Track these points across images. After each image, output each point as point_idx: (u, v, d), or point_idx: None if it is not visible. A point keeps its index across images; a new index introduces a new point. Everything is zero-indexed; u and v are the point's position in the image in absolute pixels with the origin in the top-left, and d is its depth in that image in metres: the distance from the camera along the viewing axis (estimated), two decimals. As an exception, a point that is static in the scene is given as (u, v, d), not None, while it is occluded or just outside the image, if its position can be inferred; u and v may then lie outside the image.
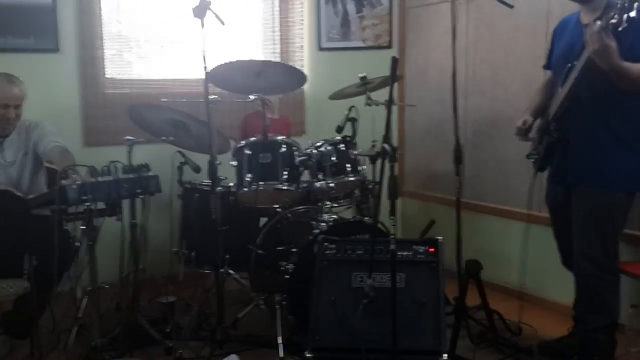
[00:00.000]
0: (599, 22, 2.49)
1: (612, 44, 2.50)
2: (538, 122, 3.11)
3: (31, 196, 3.08)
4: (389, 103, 2.56)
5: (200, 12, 2.83)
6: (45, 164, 3.58)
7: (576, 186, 2.93)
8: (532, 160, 3.12)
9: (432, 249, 3.01)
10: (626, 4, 2.42)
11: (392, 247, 2.48)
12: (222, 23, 2.89)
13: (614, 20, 2.45)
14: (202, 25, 2.87)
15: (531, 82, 3.81)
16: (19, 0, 3.85)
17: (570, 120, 2.86)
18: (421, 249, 3.02)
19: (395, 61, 2.53)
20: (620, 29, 2.47)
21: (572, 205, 2.94)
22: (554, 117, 2.91)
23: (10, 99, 3.33)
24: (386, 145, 2.45)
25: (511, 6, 3.24)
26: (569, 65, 2.78)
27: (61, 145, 3.43)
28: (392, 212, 2.47)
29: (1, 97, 3.31)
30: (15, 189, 3.14)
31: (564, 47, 2.95)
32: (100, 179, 2.84)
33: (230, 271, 3.62)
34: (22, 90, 3.37)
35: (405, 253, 2.99)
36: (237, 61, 3.39)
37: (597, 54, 2.53)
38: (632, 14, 2.42)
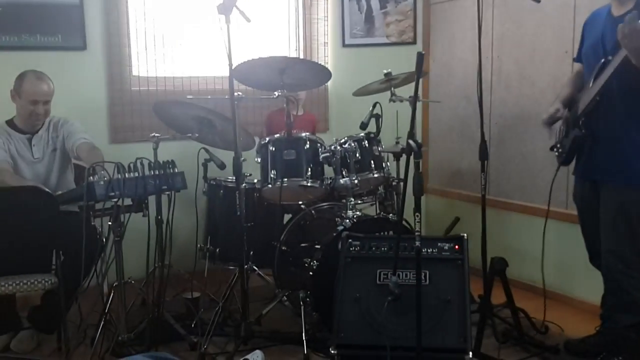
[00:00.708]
0: (637, 20, 2.45)
1: None
2: (565, 113, 3.06)
3: (59, 192, 3.12)
4: (414, 99, 2.54)
5: (225, 9, 2.83)
6: (73, 161, 3.62)
7: (605, 182, 2.89)
8: (557, 153, 3.09)
9: (457, 246, 2.98)
10: None
11: (417, 244, 2.46)
12: (248, 20, 2.89)
13: None
14: (227, 22, 2.87)
15: (558, 77, 3.77)
16: (46, -1, 3.91)
17: (600, 115, 2.82)
18: (446, 246, 2.99)
19: (421, 57, 2.51)
20: None
21: (601, 202, 2.91)
22: (584, 112, 2.87)
23: (40, 95, 3.37)
24: (411, 142, 2.43)
25: (538, 1, 3.21)
26: (603, 60, 2.74)
27: (89, 142, 3.47)
28: (417, 209, 2.46)
29: (30, 93, 3.35)
30: (43, 185, 3.18)
31: (594, 40, 2.91)
32: (127, 175, 2.88)
33: (255, 267, 3.65)
34: (50, 87, 3.42)
35: (430, 250, 2.97)
36: (261, 58, 3.40)
37: (637, 51, 2.49)
38: None
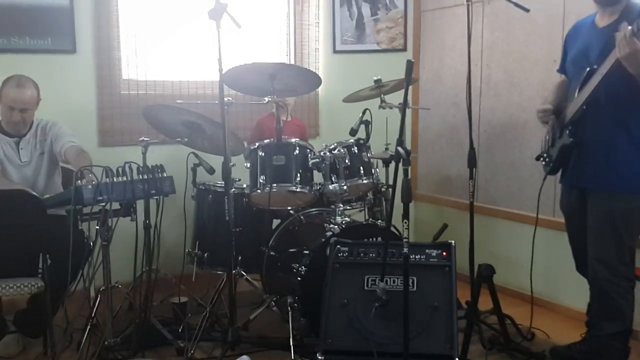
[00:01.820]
0: (629, 27, 2.48)
1: None
2: (551, 122, 3.08)
3: (47, 196, 3.10)
4: (404, 106, 2.55)
5: (216, 14, 2.84)
6: (61, 164, 3.61)
7: (592, 191, 2.91)
8: (543, 163, 3.11)
9: (445, 253, 3.00)
10: None
11: (405, 250, 2.47)
12: (239, 26, 2.89)
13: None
14: (218, 27, 2.87)
15: (546, 85, 3.79)
16: (36, 2, 3.89)
17: (587, 124, 2.84)
18: (434, 252, 3.00)
19: (410, 65, 2.53)
20: None
21: (588, 210, 2.92)
22: (571, 120, 2.89)
23: (16, 102, 3.33)
24: (400, 149, 2.45)
25: (527, 10, 3.23)
26: (588, 69, 2.76)
27: (77, 145, 3.46)
28: (406, 215, 2.47)
29: (8, 99, 3.33)
30: (30, 189, 3.16)
31: (578, 50, 2.94)
32: (115, 179, 2.87)
33: (243, 272, 3.64)
34: (30, 95, 3.35)
35: (418, 257, 2.98)
36: (252, 63, 3.40)
37: (628, 58, 2.52)
38: None
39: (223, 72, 2.97)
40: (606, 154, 2.82)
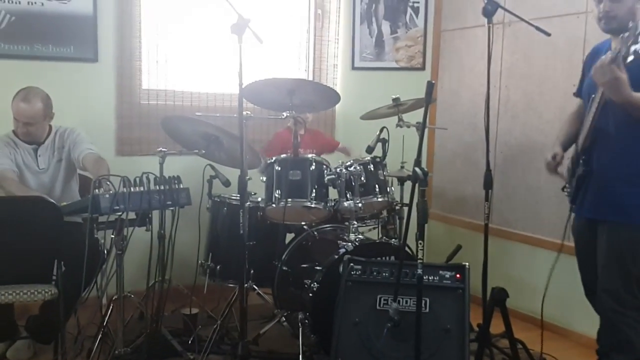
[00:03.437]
0: (609, 54, 2.46)
1: (623, 75, 2.47)
2: (571, 152, 3.06)
3: (64, 203, 3.12)
4: (422, 127, 2.55)
5: (238, 29, 2.85)
6: (79, 171, 3.63)
7: (600, 221, 2.87)
8: (566, 193, 3.07)
9: (458, 275, 2.98)
10: (633, 37, 2.41)
11: (419, 271, 2.46)
12: (261, 41, 2.91)
13: (622, 52, 2.44)
14: (240, 42, 2.89)
15: (565, 109, 3.76)
16: (61, 10, 3.93)
17: (596, 152, 2.82)
18: (447, 274, 2.99)
19: (431, 86, 2.53)
20: (628, 60, 2.45)
21: (597, 239, 2.90)
22: (582, 149, 2.87)
23: (19, 116, 3.36)
24: (418, 170, 2.44)
25: (548, 34, 3.23)
26: (593, 96, 2.75)
27: (95, 152, 3.48)
28: (421, 236, 2.46)
29: (14, 111, 3.37)
30: (47, 196, 3.19)
31: None
32: (132, 189, 2.89)
33: (255, 286, 3.64)
34: (36, 110, 3.35)
35: (431, 277, 2.97)
36: (271, 79, 3.42)
37: (607, 86, 2.52)
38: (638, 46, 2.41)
39: (243, 86, 2.98)
40: (611, 184, 2.78)
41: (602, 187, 2.81)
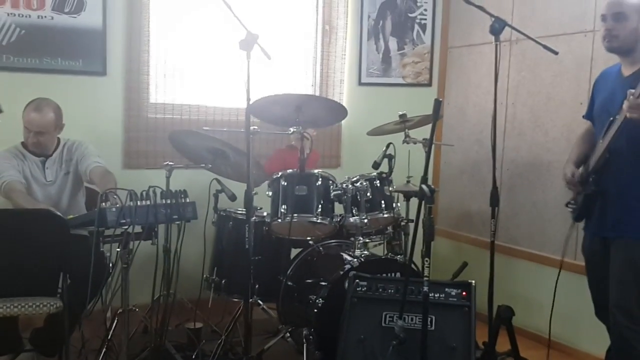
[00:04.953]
0: (633, 90, 2.50)
1: None
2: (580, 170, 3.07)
3: (71, 216, 3.13)
4: (429, 145, 2.56)
5: (247, 45, 2.86)
6: (86, 184, 3.64)
7: (614, 238, 2.88)
8: (570, 209, 3.08)
9: (464, 293, 2.97)
10: None
11: (425, 289, 2.46)
12: (269, 57, 2.92)
13: None
14: (248, 57, 2.90)
15: (572, 127, 3.78)
16: (70, 24, 3.96)
17: (610, 172, 2.84)
18: (453, 292, 2.98)
19: (438, 104, 2.53)
20: None
21: (610, 258, 2.89)
22: (594, 169, 2.89)
23: (31, 125, 3.37)
24: (425, 187, 2.44)
25: (556, 52, 3.23)
26: (612, 119, 2.76)
27: (102, 165, 3.49)
28: (427, 253, 2.45)
29: (25, 120, 3.38)
30: (54, 208, 3.20)
31: (604, 98, 2.94)
32: (139, 203, 2.89)
33: (259, 301, 3.63)
34: (48, 119, 3.38)
35: (437, 295, 2.95)
36: (278, 95, 3.43)
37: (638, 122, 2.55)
38: None
39: (251, 102, 2.99)
40: (627, 202, 2.80)
41: (618, 206, 2.83)
